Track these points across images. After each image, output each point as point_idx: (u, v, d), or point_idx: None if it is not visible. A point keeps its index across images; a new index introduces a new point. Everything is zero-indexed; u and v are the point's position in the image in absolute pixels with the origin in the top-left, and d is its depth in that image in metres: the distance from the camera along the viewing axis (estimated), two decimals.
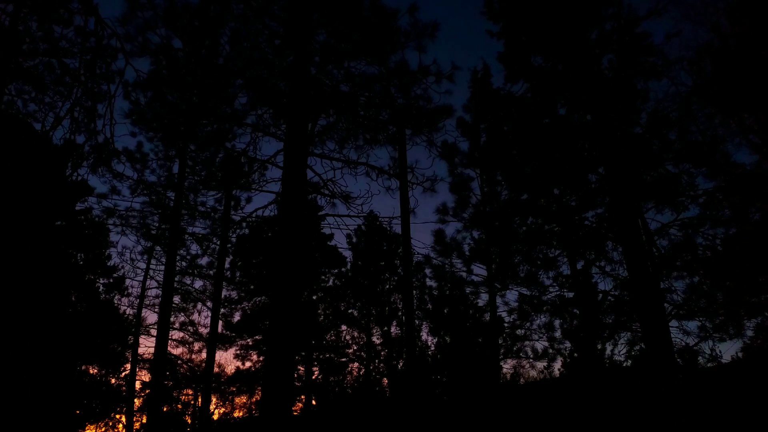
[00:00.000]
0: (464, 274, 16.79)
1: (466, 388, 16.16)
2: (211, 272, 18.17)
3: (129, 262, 23.34)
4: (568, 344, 15.70)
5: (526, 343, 16.05)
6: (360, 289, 19.94)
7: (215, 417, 21.58)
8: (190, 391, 21.16)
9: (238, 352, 20.33)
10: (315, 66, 10.25)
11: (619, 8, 12.12)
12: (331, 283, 20.82)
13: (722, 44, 12.04)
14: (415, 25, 10.20)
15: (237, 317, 20.46)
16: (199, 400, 19.37)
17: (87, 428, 19.55)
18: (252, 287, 20.35)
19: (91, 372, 19.56)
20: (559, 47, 12.38)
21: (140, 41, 10.00)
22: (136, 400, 19.71)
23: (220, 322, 18.51)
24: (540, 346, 16.05)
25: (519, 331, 15.94)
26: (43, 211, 3.69)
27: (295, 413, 19.07)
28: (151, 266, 18.95)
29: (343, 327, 20.07)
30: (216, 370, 19.67)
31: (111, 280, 19.91)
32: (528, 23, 12.80)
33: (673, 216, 12.32)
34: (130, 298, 19.88)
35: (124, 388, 19.97)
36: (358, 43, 10.36)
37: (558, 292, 14.78)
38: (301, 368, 19.48)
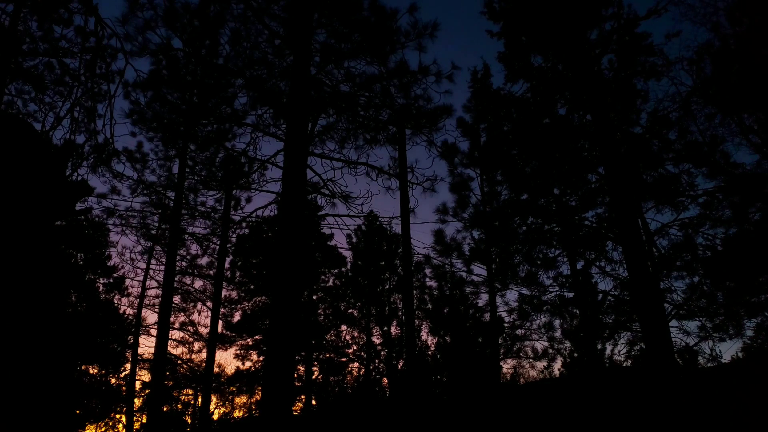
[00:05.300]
0: (464, 274, 16.82)
1: (466, 388, 16.16)
2: (211, 272, 18.17)
3: (129, 262, 23.45)
4: (568, 344, 15.73)
5: (526, 343, 16.08)
6: (360, 289, 19.94)
7: (215, 417, 21.60)
8: (190, 391, 21.18)
9: (238, 352, 20.34)
10: (315, 66, 10.24)
11: (619, 8, 12.12)
12: (331, 283, 20.83)
13: (722, 44, 12.03)
14: (415, 25, 10.17)
15: (237, 317, 20.49)
16: (199, 400, 19.39)
17: (87, 428, 19.56)
18: (252, 287, 20.36)
19: (91, 372, 19.57)
20: (558, 47, 12.38)
21: (140, 41, 9.96)
22: (136, 400, 19.72)
23: (220, 322, 18.52)
24: (540, 346, 16.08)
25: (519, 331, 15.96)
26: (43, 211, 3.68)
27: (295, 413, 19.07)
28: (151, 266, 18.99)
29: (343, 327, 20.07)
30: (216, 370, 19.69)
31: (111, 280, 19.93)
32: (528, 23, 12.80)
33: (673, 216, 12.35)
34: (130, 298, 19.92)
35: (124, 388, 19.98)
36: (358, 43, 10.35)
37: (558, 292, 14.80)
38: (301, 368, 19.48)
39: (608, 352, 14.51)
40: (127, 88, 12.21)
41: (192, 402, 21.49)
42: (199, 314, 23.07)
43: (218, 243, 16.91)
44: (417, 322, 17.76)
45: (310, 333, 19.18)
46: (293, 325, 7.31)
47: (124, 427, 20.07)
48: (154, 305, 19.43)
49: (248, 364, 20.26)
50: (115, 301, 19.79)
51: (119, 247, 31.98)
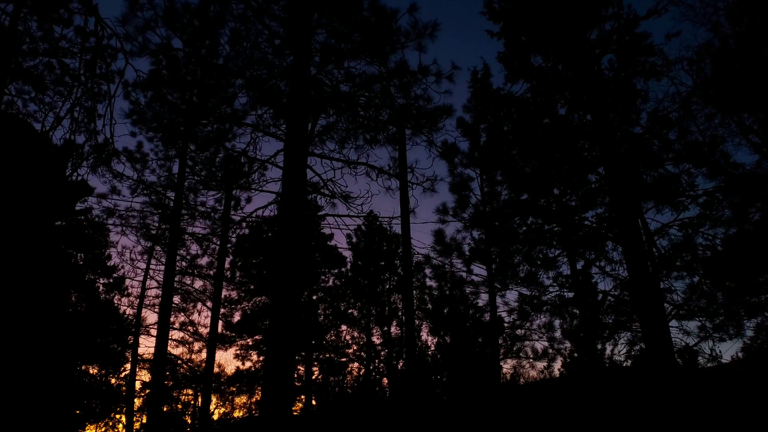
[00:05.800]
0: (464, 274, 16.83)
1: (466, 388, 16.17)
2: (211, 272, 18.17)
3: (129, 262, 23.48)
4: (568, 344, 15.74)
5: (526, 343, 16.08)
6: (360, 289, 19.94)
7: (215, 417, 21.61)
8: (190, 391, 21.19)
9: (238, 352, 20.35)
10: (315, 66, 10.23)
11: (619, 8, 12.12)
12: (331, 283, 20.83)
13: (722, 44, 12.04)
14: (415, 25, 10.17)
15: (237, 317, 20.49)
16: (199, 400, 19.39)
17: (87, 428, 19.57)
18: (252, 287, 20.36)
19: (91, 372, 19.58)
20: (558, 47, 12.38)
21: (140, 41, 9.96)
22: (136, 400, 19.73)
23: (220, 322, 18.52)
24: (540, 346, 16.09)
25: (519, 331, 15.96)
26: (43, 211, 3.68)
27: (295, 413, 19.07)
28: (151, 266, 19.01)
29: (343, 327, 20.08)
30: (216, 370, 19.70)
31: (111, 280, 19.94)
32: (528, 23, 12.80)
33: (673, 216, 12.35)
34: (130, 298, 19.94)
35: (124, 388, 19.99)
36: (358, 43, 10.34)
37: (558, 292, 14.80)
38: (301, 368, 19.48)
39: (608, 352, 14.53)
40: (127, 88, 12.20)
41: (192, 402, 21.51)
42: (199, 314, 23.14)
43: (218, 243, 16.91)
44: (417, 322, 17.77)
45: (310, 333, 19.18)
46: (293, 325, 7.31)
47: (124, 427, 20.08)
48: (154, 305, 19.44)
49: (248, 364, 20.28)
50: (115, 301, 19.82)
51: (119, 247, 32.09)
